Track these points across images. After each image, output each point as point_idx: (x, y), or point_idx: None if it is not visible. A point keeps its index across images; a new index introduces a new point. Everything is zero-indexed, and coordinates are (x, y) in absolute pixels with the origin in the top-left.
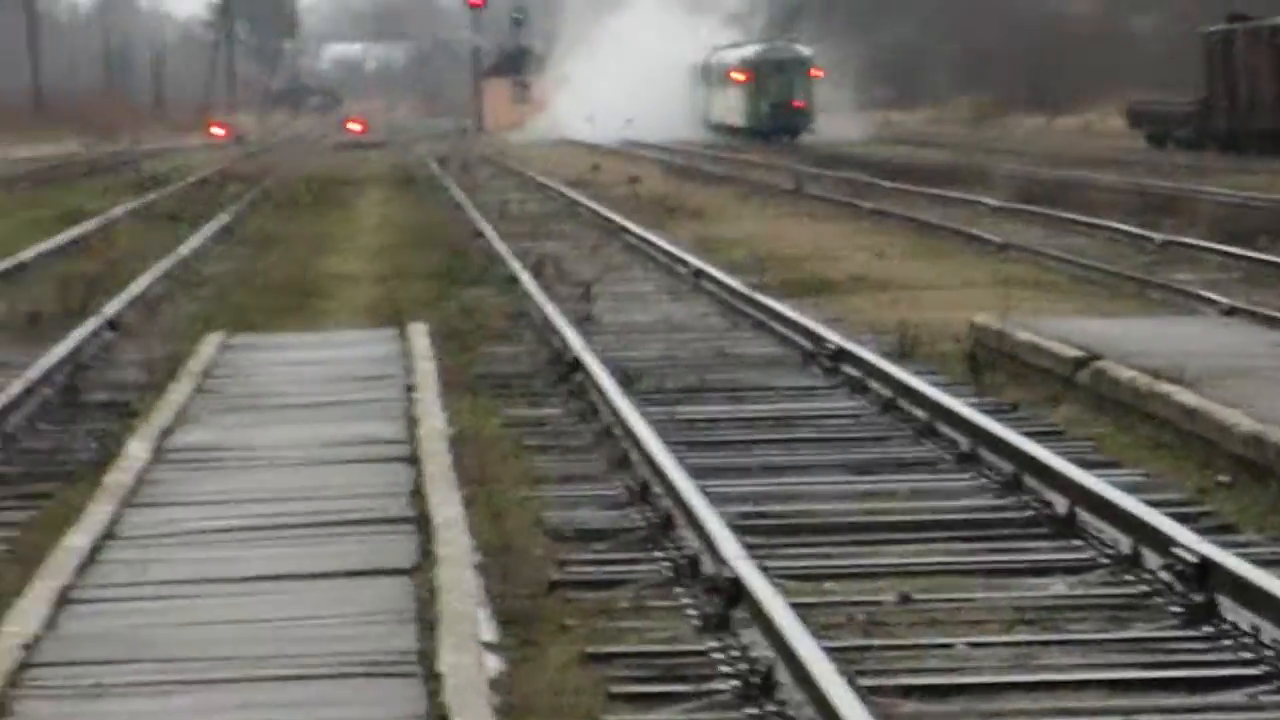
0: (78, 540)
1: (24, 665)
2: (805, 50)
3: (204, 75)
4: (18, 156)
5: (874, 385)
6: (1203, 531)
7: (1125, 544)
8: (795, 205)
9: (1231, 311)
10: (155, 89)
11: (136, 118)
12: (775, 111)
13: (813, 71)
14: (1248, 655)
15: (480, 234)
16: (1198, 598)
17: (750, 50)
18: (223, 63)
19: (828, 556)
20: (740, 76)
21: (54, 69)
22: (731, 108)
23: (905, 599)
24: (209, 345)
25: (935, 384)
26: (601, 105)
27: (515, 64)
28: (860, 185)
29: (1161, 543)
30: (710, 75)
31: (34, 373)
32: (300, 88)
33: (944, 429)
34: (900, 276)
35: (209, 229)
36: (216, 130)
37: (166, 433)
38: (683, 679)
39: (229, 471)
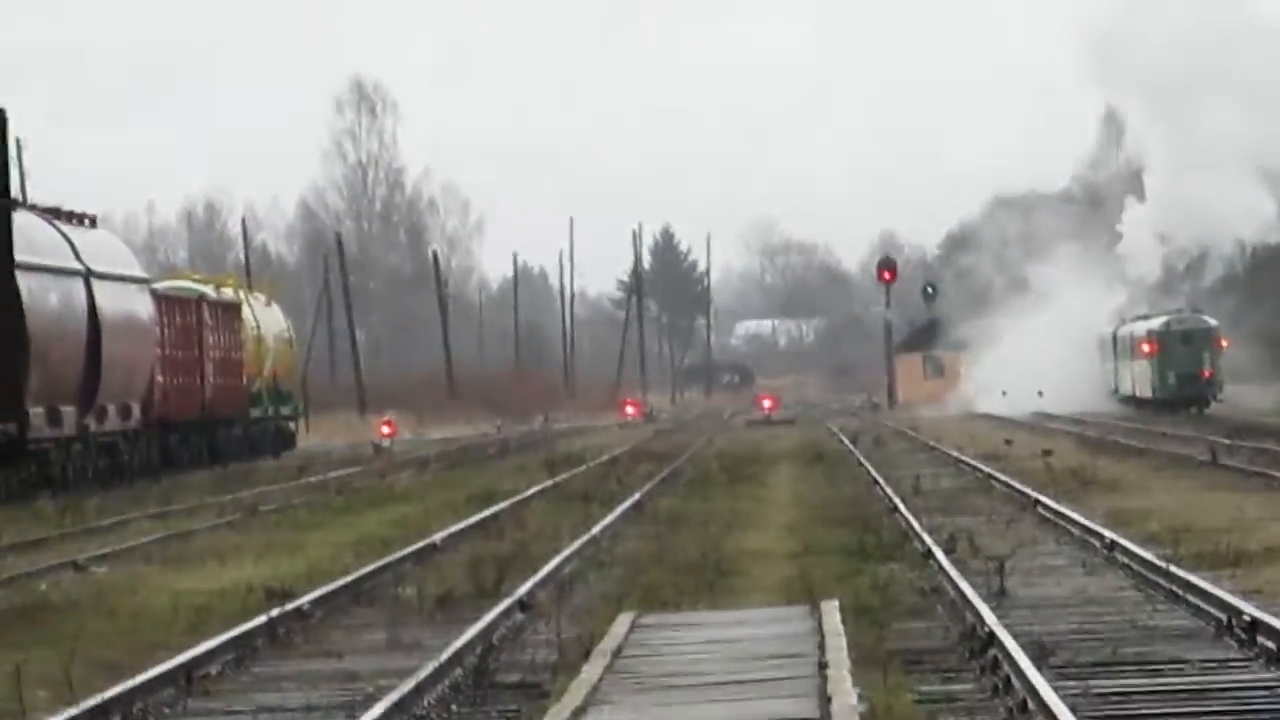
0: None
1: None
2: (1211, 320)
3: (615, 352)
4: (432, 438)
5: None
6: None
7: None
8: (1211, 477)
9: None
10: (566, 367)
11: (548, 396)
12: (1182, 382)
13: (1219, 341)
14: None
15: (893, 509)
16: None
17: (1157, 321)
18: (634, 340)
19: None
20: (1147, 348)
21: (466, 348)
22: (1139, 378)
23: None
24: (621, 624)
25: None
26: (1014, 378)
27: (927, 338)
28: (1275, 455)
29: None
30: (1118, 347)
31: (446, 654)
32: (711, 364)
33: None
34: None
35: (620, 507)
36: (629, 408)
37: (578, 713)
38: None
39: None
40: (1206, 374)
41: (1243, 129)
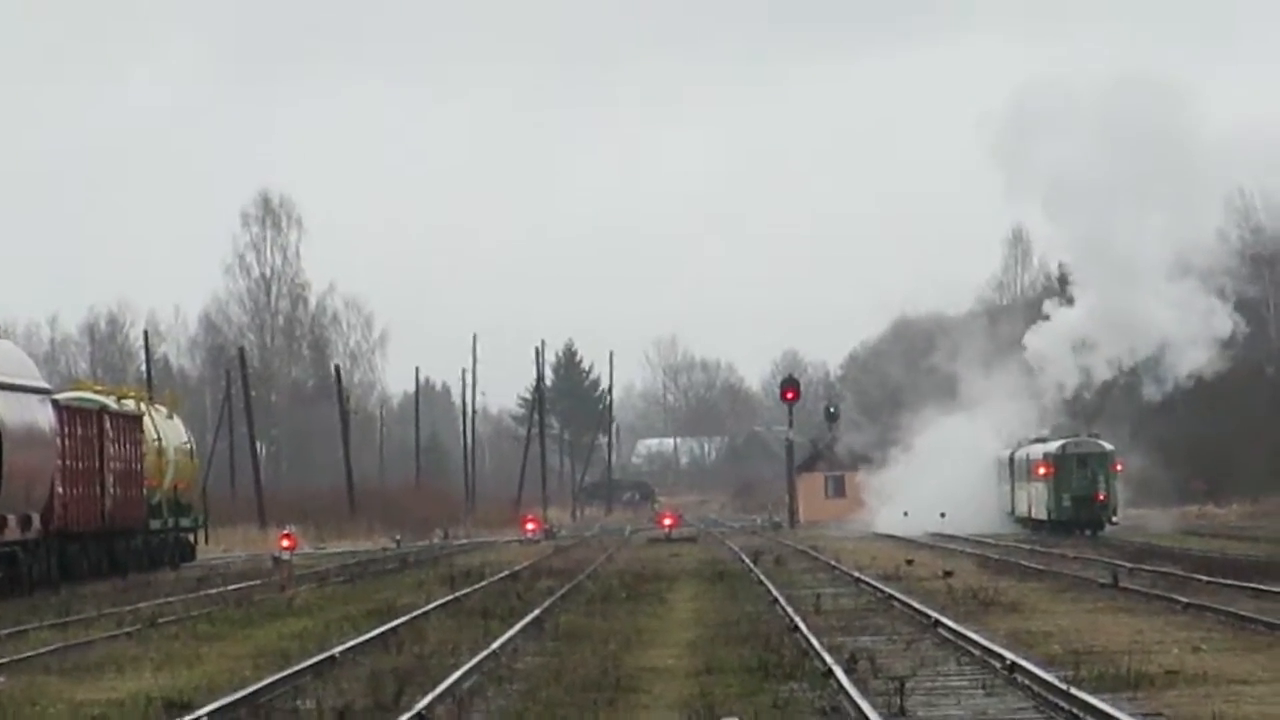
0: None
1: None
2: (1108, 445)
3: (516, 468)
4: (332, 551)
5: None
6: None
7: None
8: (1112, 599)
9: None
10: (468, 482)
11: (449, 511)
12: (1077, 505)
13: (1115, 465)
14: None
15: (794, 628)
16: None
17: (1053, 445)
18: (535, 456)
19: None
20: (1043, 470)
21: (367, 462)
22: (1035, 500)
23: None
24: None
25: None
26: (915, 499)
27: (828, 457)
28: (1175, 579)
29: None
30: (1015, 469)
31: None
32: (612, 481)
33: None
34: (1217, 671)
35: (520, 623)
36: (529, 524)
37: None
38: None
39: None
40: (1101, 497)
41: (1166, 234)
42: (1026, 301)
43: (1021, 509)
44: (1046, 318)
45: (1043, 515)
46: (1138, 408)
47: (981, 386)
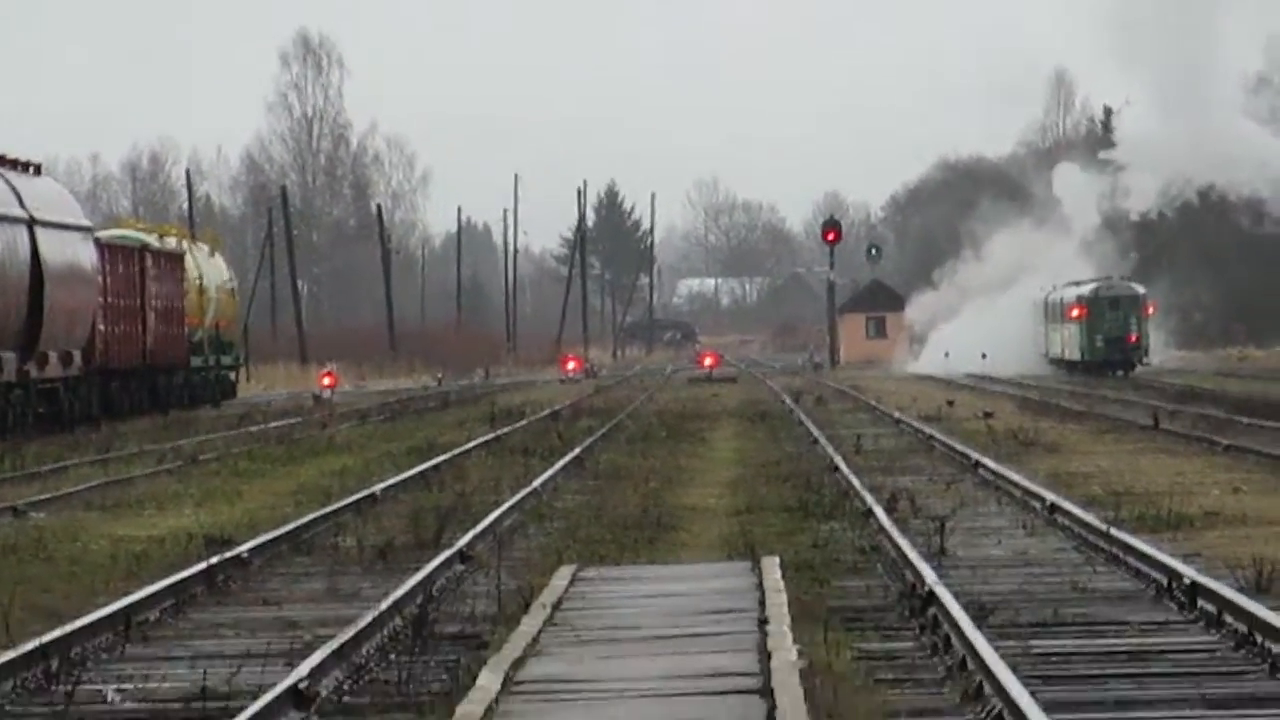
0: None
1: None
2: (1139, 288)
3: (557, 309)
4: (373, 390)
5: (1229, 620)
6: None
7: None
8: (1152, 440)
9: None
10: (509, 322)
11: (489, 351)
12: (1109, 346)
13: (1146, 308)
14: None
15: (834, 468)
16: None
17: (1086, 287)
18: (576, 296)
19: None
20: (1076, 312)
21: (408, 302)
22: (1068, 342)
23: None
24: (561, 577)
25: None
26: (956, 341)
27: (870, 298)
28: (1215, 421)
29: None
30: (1049, 311)
31: (385, 604)
32: (654, 322)
33: None
34: (1257, 512)
35: (561, 462)
36: (570, 364)
37: (517, 664)
38: None
39: (579, 703)
40: (1133, 339)
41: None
42: (1068, 143)
43: (1055, 350)
44: (1088, 157)
45: (1076, 356)
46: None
47: (1021, 229)
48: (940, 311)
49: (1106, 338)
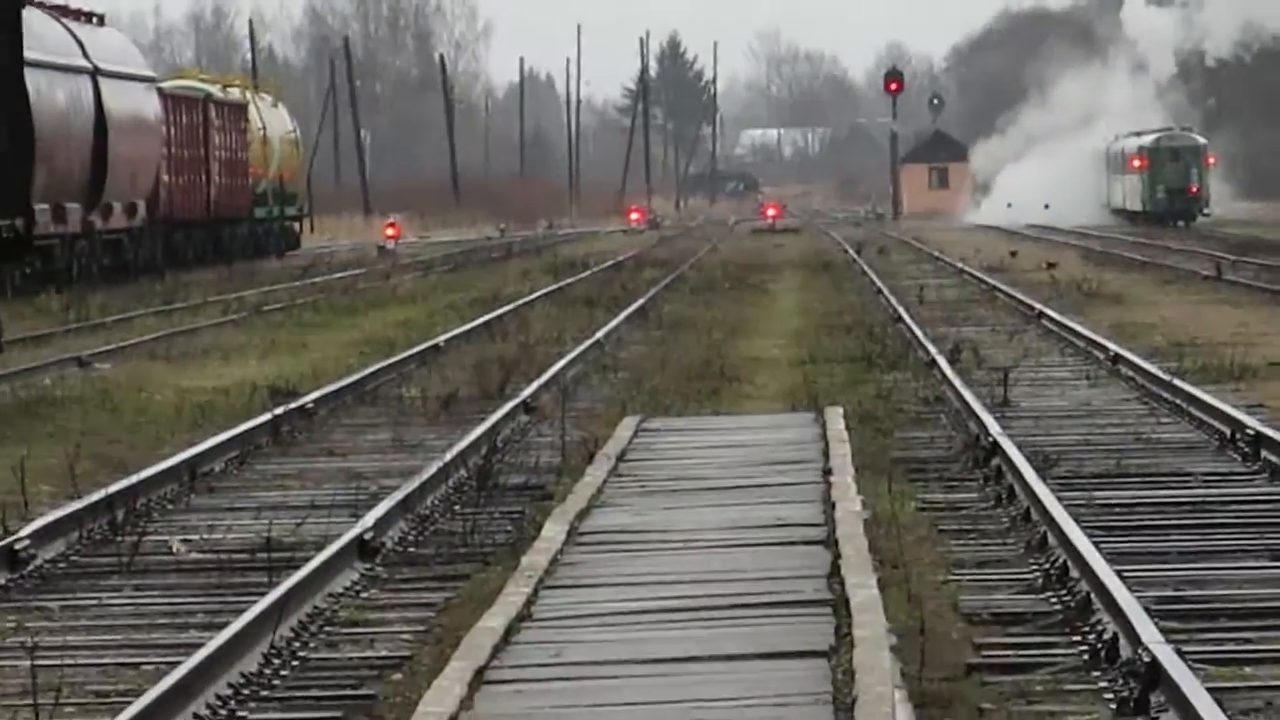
0: (493, 621)
1: None
2: (1200, 138)
3: (620, 160)
4: (436, 241)
5: None
6: None
7: None
8: (1215, 291)
9: None
10: (571, 173)
11: (552, 202)
12: (1170, 197)
13: (1207, 159)
14: None
15: (897, 319)
16: None
17: (1147, 138)
18: (639, 147)
19: (1246, 641)
20: (1138, 163)
21: (471, 153)
22: (1129, 192)
23: None
24: (625, 428)
25: None
26: (1019, 192)
27: (932, 149)
28: (1279, 272)
29: None
30: (1111, 162)
31: (450, 455)
32: (716, 173)
33: None
34: None
35: (625, 313)
36: (633, 215)
37: (582, 515)
38: None
39: (643, 554)
40: (1193, 190)
41: None
42: None
43: (1117, 200)
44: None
45: (1137, 207)
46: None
47: (1089, 72)
48: (1004, 159)
49: (1167, 188)
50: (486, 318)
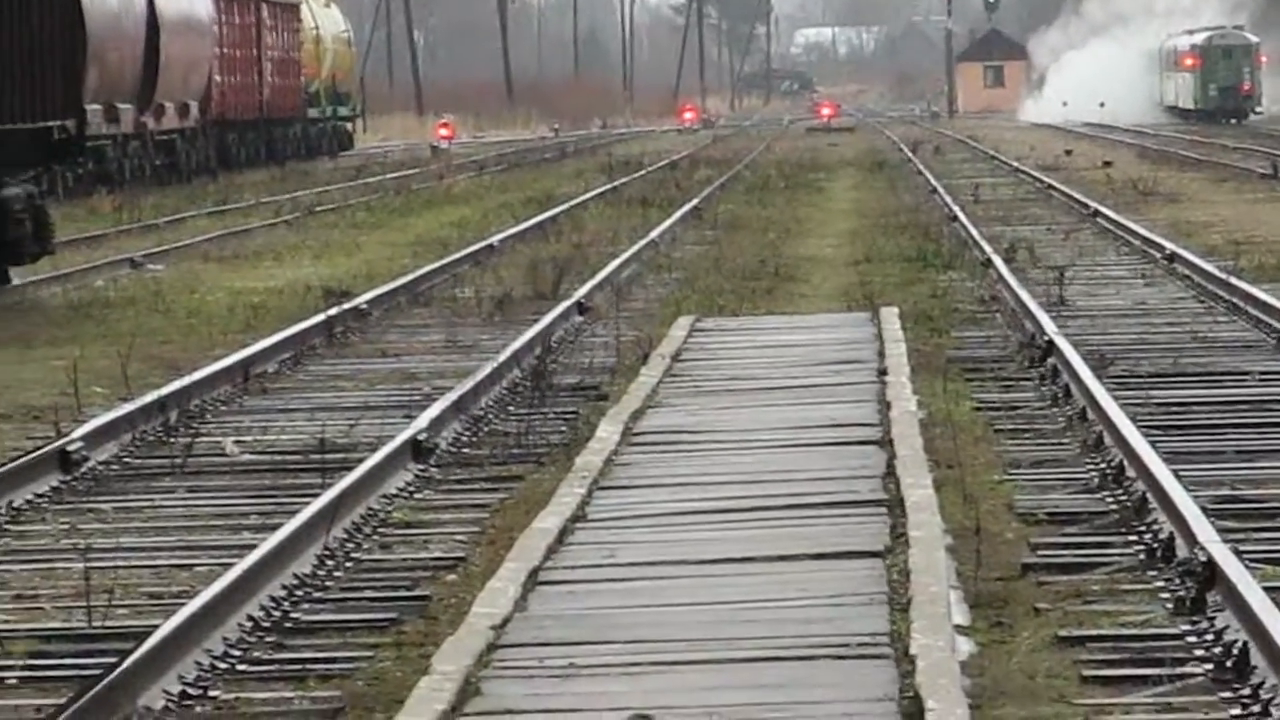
0: (547, 522)
1: (493, 646)
2: (1252, 37)
3: (674, 59)
4: (490, 140)
5: None
6: None
7: None
8: (1272, 189)
9: None
10: (625, 72)
11: (606, 101)
12: (1222, 94)
13: (1259, 57)
14: None
15: (953, 218)
16: None
17: (1199, 36)
18: (693, 46)
19: None
20: (1190, 61)
21: (524, 53)
22: (1181, 90)
23: None
24: (679, 328)
25: None
26: (1074, 90)
27: (988, 48)
28: None
29: None
30: (1164, 60)
31: (504, 355)
32: (771, 71)
33: None
34: None
35: (679, 212)
36: (687, 114)
37: (636, 415)
38: (1156, 662)
39: (698, 454)
40: (1246, 88)
41: None
42: None
43: (1170, 99)
44: None
45: (1189, 105)
46: None
47: None
48: (1063, 51)
49: (1220, 86)
50: (540, 218)
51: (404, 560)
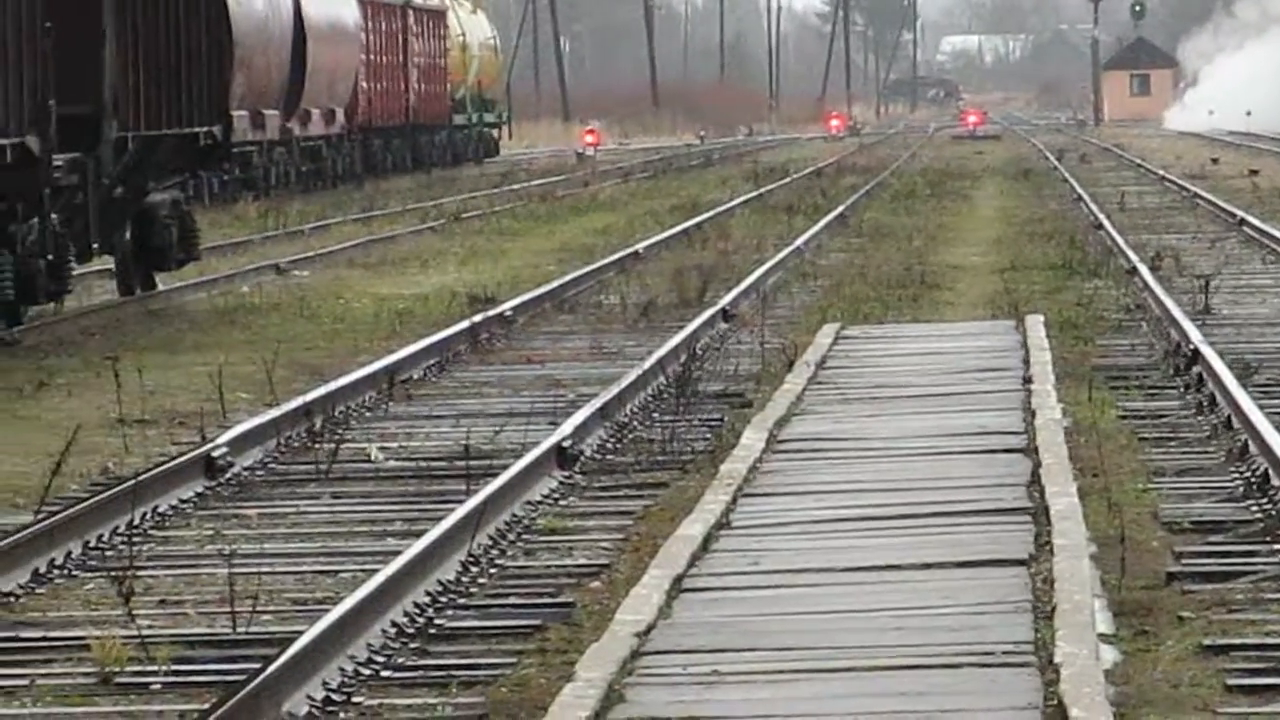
0: (692, 529)
1: (638, 653)
2: None
3: (819, 67)
4: (635, 147)
5: None
6: None
7: None
8: None
9: None
10: (771, 80)
11: (752, 108)
12: None
13: None
14: None
15: (1098, 226)
16: None
17: None
18: (839, 53)
19: None
20: None
21: (670, 60)
22: None
23: None
24: (824, 335)
25: None
26: (1221, 98)
27: (1134, 56)
28: None
29: None
30: None
31: (649, 362)
32: (917, 79)
33: None
34: None
35: (824, 220)
36: (834, 122)
37: (781, 423)
38: None
39: (842, 462)
40: None
41: None
42: None
43: None
44: None
45: None
46: None
47: None
48: (1211, 53)
49: None
50: (686, 225)
51: (548, 567)
